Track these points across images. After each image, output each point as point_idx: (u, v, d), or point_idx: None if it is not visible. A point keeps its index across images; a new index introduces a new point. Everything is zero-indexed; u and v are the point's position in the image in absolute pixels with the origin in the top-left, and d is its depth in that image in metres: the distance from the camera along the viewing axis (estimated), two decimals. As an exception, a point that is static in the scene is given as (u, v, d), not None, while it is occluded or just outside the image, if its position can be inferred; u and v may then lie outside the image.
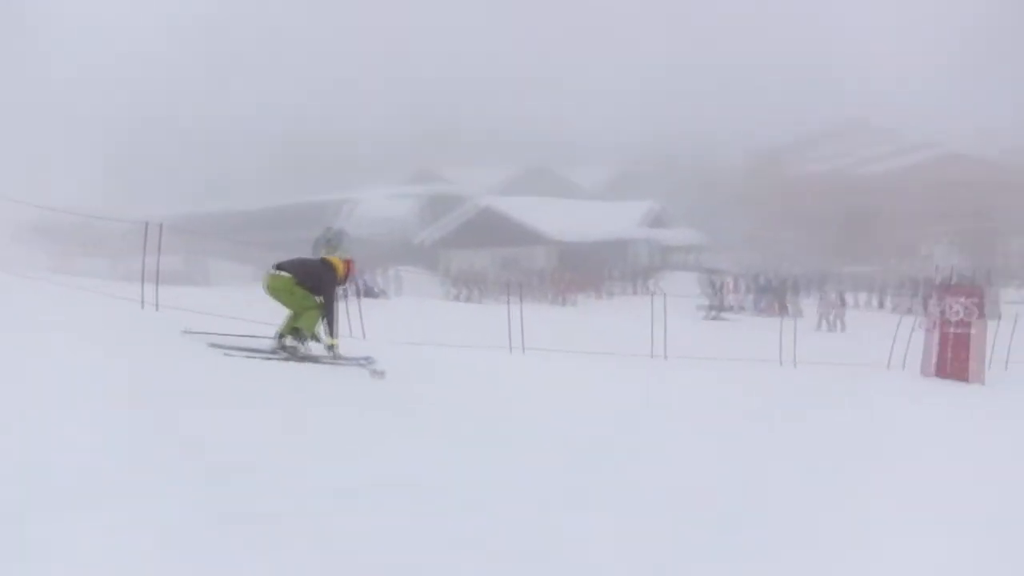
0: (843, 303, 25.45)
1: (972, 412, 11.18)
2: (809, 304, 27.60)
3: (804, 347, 15.36)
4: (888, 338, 14.92)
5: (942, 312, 13.93)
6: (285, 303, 8.27)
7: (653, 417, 8.76)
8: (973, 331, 13.46)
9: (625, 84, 72.03)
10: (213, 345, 8.19)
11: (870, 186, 53.98)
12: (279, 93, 63.97)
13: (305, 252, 19.63)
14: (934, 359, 13.83)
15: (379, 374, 8.04)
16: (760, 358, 14.10)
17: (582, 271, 34.57)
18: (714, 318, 26.49)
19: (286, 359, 8.06)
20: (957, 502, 6.19)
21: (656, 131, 66.66)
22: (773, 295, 29.25)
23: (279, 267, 8.38)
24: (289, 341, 8.20)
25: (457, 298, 33.99)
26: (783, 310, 26.09)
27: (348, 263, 8.72)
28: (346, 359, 8.29)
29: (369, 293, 20.83)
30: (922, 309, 21.86)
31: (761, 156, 64.01)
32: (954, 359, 13.52)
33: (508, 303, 14.85)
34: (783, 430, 8.82)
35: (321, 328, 8.35)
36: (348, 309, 13.27)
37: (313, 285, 8.27)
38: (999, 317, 19.14)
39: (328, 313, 8.25)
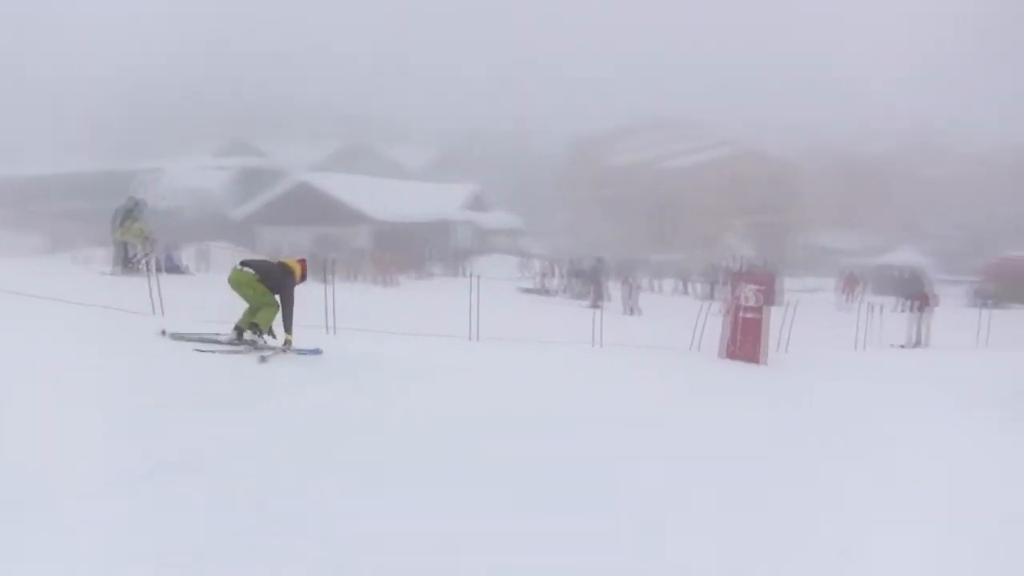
0: (638, 288, 26.47)
1: (758, 389, 12.19)
2: (617, 289, 28.87)
3: (616, 331, 16.09)
4: (688, 322, 15.90)
5: (737, 298, 15.00)
6: (246, 296, 8.97)
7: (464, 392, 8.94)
8: (761, 317, 14.59)
9: (451, 68, 72.13)
10: (175, 337, 9.04)
11: (676, 178, 57.25)
12: (83, 53, 58.66)
13: (104, 222, 18.29)
14: (728, 342, 14.90)
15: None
16: (573, 340, 14.63)
17: (403, 251, 34.36)
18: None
19: (247, 351, 8.75)
20: (749, 461, 6.85)
21: (480, 116, 67.33)
22: (589, 279, 30.18)
23: (244, 264, 9.17)
24: (248, 335, 8.91)
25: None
26: (599, 294, 27.07)
27: (302, 263, 9.35)
28: (298, 350, 9.07)
29: (172, 268, 19.57)
30: (720, 296, 23.52)
31: (579, 146, 66.23)
32: (744, 342, 14.63)
33: (325, 282, 14.50)
34: (591, 402, 9.25)
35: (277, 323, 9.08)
36: (150, 284, 12.47)
37: (272, 284, 8.96)
38: (785, 304, 20.92)
39: (285, 311, 8.92)
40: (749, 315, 14.64)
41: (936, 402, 11.55)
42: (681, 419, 9.08)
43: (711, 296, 27.30)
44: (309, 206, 38.54)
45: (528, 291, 30.45)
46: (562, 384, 10.65)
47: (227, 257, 34.91)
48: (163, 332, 9.29)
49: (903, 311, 23.10)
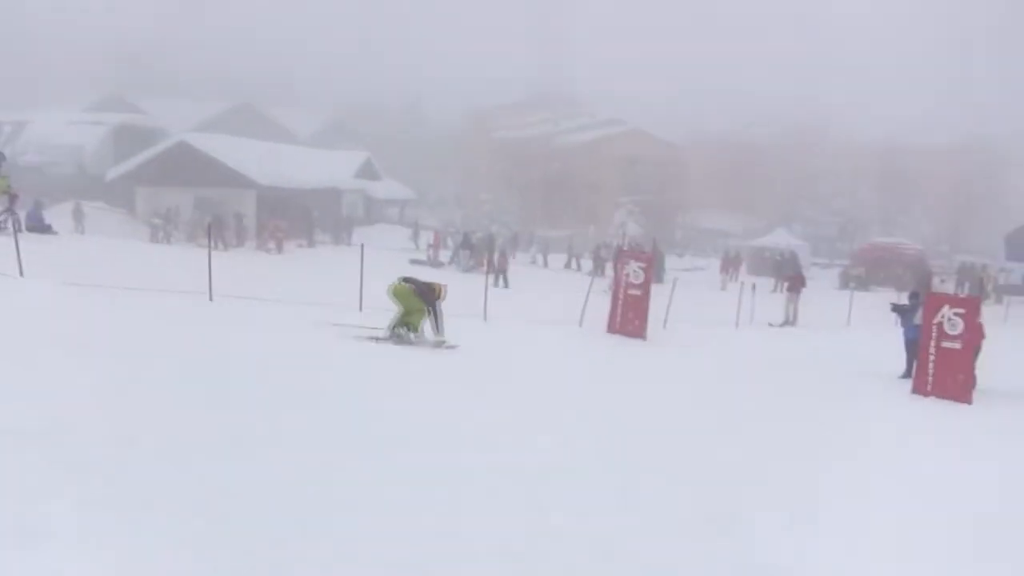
0: (507, 261, 26.54)
1: (635, 358, 12.69)
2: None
3: (506, 305, 16.20)
4: (577, 297, 16.17)
5: (626, 276, 15.31)
6: (404, 303, 11.30)
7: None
8: (643, 293, 14.97)
9: (344, 32, 70.29)
10: (338, 325, 11.54)
11: (567, 154, 57.83)
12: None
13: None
14: (609, 317, 15.24)
15: (445, 345, 11.23)
16: (459, 313, 14.63)
17: (289, 218, 33.39)
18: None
19: (397, 342, 11.09)
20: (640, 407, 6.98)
21: (372, 83, 65.96)
22: (479, 252, 30.15)
23: (405, 280, 11.62)
24: (398, 330, 11.24)
25: (152, 239, 31.52)
26: (490, 267, 27.08)
27: (443, 288, 11.50)
28: (446, 345, 11.20)
29: (37, 227, 18.40)
30: (608, 272, 23.98)
31: (472, 118, 65.96)
32: (624, 318, 14.99)
33: (210, 248, 14.03)
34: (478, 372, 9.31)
35: (427, 326, 11.39)
36: (16, 244, 11.73)
37: (424, 297, 11.33)
38: (672, 282, 21.57)
39: (435, 318, 11.29)
40: (633, 292, 15.00)
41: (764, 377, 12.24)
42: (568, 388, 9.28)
43: (600, 272, 27.87)
44: (189, 167, 36.66)
45: (418, 263, 30.23)
46: (440, 357, 10.64)
47: (103, 217, 33.21)
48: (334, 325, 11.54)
49: (779, 291, 24.23)
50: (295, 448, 5.60)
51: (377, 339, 11.05)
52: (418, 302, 11.33)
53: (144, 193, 37.30)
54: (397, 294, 11.38)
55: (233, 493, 4.60)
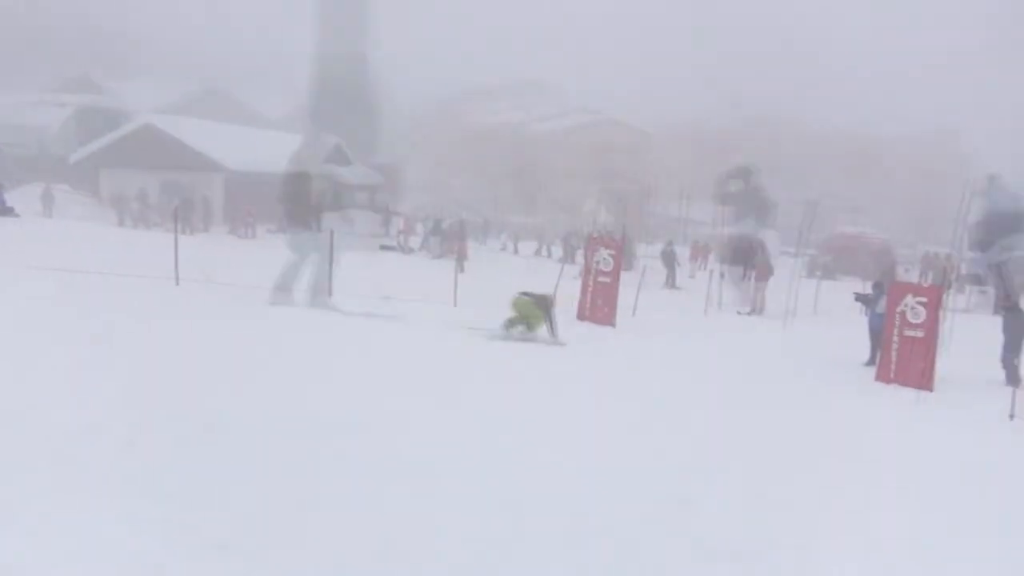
0: (465, 248, 26.49)
1: (601, 346, 12.78)
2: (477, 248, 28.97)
3: (475, 291, 16.19)
4: (547, 284, 16.20)
5: (596, 263, 15.38)
6: (524, 312, 12.72)
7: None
8: (614, 281, 15.06)
9: (313, 15, 69.26)
10: (471, 328, 12.50)
11: (539, 142, 57.82)
12: None
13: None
14: (579, 304, 15.32)
15: (559, 344, 12.56)
16: (430, 300, 14.65)
17: (258, 203, 33.01)
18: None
19: (515, 339, 12.40)
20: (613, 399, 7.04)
21: (338, 68, 65.22)
22: (450, 239, 30.03)
23: (524, 294, 12.94)
24: (518, 330, 12.62)
25: (120, 223, 31.07)
26: (461, 253, 26.96)
27: (551, 298, 13.05)
28: (558, 342, 12.59)
29: (-1, 210, 18.07)
30: (579, 260, 24.02)
31: (444, 104, 65.58)
32: (594, 305, 15.08)
33: (176, 232, 13.88)
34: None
35: (546, 329, 12.82)
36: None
37: (540, 306, 12.78)
38: (642, 270, 21.69)
39: (551, 324, 12.79)
40: (601, 279, 15.08)
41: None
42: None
43: (571, 260, 27.93)
44: (156, 150, 35.99)
45: (388, 248, 30.12)
46: (393, 342, 10.65)
47: (69, 201, 32.61)
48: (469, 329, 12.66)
49: (747, 279, 24.43)
50: (265, 436, 5.58)
51: (499, 336, 12.30)
52: (537, 311, 12.84)
53: (109, 176, 36.65)
54: (519, 306, 12.85)
55: (202, 481, 4.58)
